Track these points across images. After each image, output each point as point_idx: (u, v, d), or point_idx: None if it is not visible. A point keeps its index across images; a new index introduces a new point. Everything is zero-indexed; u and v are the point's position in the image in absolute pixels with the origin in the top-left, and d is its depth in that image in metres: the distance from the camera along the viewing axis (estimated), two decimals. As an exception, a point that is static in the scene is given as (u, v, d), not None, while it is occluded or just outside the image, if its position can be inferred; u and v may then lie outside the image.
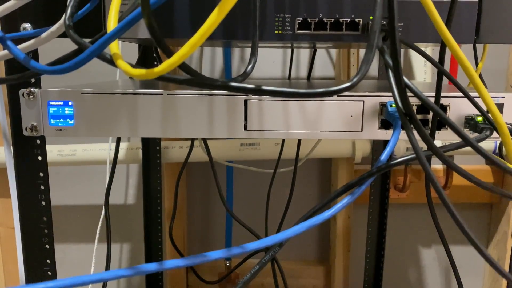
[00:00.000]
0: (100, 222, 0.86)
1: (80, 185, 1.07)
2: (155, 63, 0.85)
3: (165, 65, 0.24)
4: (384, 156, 0.37)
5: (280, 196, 0.93)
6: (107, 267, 0.79)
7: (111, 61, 0.28)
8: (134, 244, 1.11)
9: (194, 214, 1.10)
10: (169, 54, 0.26)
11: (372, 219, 0.98)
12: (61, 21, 0.36)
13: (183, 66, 0.29)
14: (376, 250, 1.00)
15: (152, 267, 0.29)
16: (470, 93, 0.41)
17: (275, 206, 0.92)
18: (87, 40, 0.33)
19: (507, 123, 0.42)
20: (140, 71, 0.25)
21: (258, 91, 0.26)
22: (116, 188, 1.07)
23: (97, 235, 0.86)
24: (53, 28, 0.37)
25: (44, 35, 0.37)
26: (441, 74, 0.40)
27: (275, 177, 0.85)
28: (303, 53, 1.01)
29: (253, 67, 0.35)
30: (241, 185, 1.06)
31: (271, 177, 0.85)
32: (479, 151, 0.32)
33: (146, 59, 0.85)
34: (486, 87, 0.76)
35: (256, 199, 1.06)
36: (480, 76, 0.75)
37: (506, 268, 0.94)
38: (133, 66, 0.26)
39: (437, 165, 1.03)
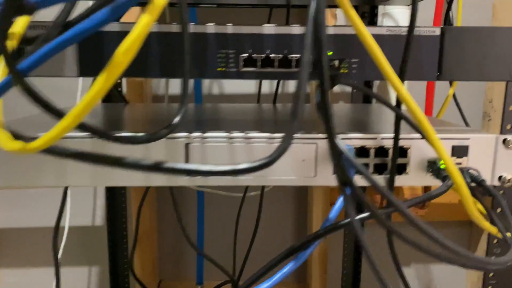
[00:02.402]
0: (62, 245, 0.82)
1: (41, 206, 1.02)
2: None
3: (42, 141, 0.20)
4: (332, 214, 0.33)
5: (253, 218, 0.89)
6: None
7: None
8: (103, 267, 1.06)
9: (166, 236, 1.05)
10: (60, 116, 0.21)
11: (348, 241, 0.95)
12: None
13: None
14: (353, 273, 0.96)
15: None
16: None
17: (248, 228, 0.88)
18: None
19: (472, 169, 0.39)
20: (16, 145, 0.21)
21: (158, 169, 0.22)
22: (83, 209, 1.02)
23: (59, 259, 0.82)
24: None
25: None
26: (399, 118, 0.36)
27: (247, 200, 0.81)
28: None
29: (182, 119, 0.31)
30: (213, 208, 1.02)
31: (240, 201, 0.81)
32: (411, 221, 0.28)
33: (112, 92, 0.80)
34: (462, 113, 0.72)
35: (227, 222, 1.02)
36: (456, 100, 0.72)
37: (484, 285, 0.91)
38: (16, 137, 0.22)
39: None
